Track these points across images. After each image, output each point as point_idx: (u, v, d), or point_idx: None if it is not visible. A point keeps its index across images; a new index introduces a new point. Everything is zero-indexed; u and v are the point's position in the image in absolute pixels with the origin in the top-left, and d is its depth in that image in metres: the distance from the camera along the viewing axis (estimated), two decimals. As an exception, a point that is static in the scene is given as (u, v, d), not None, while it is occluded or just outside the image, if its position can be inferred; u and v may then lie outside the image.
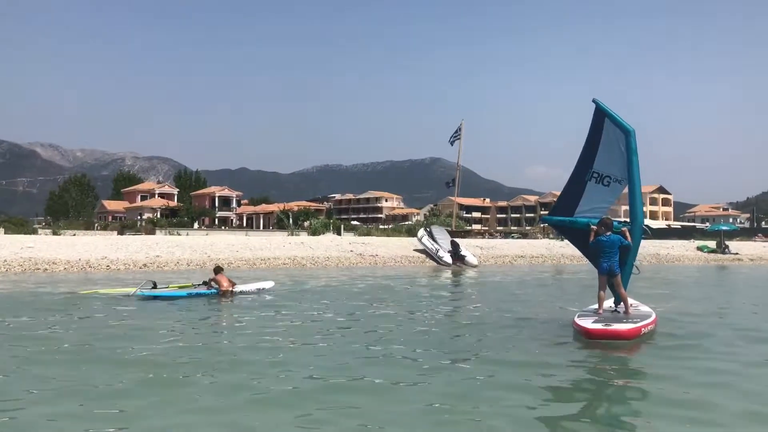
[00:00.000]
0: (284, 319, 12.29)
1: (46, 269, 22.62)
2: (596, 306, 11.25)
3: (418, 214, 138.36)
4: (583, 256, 12.79)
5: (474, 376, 7.72)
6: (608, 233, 11.06)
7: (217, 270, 16.41)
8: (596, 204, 11.84)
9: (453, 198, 49.91)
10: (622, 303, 11.27)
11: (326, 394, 6.87)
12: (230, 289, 15.97)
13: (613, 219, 11.50)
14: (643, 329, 9.98)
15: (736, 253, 42.88)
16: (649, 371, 8.00)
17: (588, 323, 10.10)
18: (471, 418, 6.06)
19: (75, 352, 8.93)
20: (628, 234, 11.22)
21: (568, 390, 7.23)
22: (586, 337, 9.81)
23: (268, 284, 17.56)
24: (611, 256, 10.98)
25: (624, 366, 8.45)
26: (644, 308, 11.75)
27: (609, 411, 6.58)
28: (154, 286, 15.83)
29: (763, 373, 7.97)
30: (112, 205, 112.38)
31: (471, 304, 16.00)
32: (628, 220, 11.83)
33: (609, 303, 11.42)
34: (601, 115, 11.63)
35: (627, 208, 11.86)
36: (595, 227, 11.32)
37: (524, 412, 6.25)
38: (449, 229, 39.47)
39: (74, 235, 36.97)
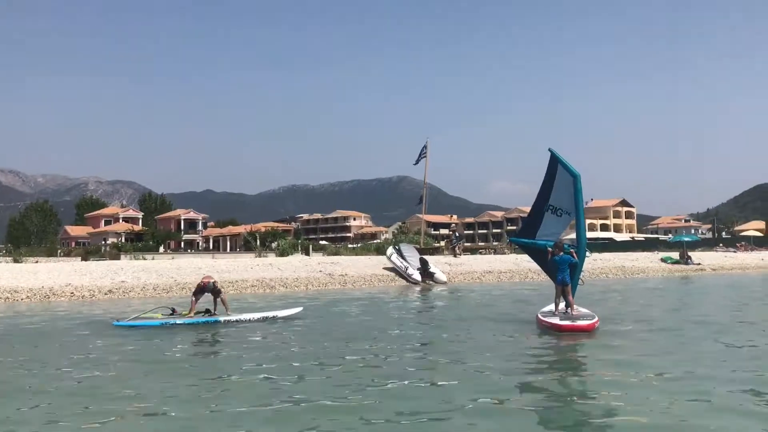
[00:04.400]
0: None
1: (8, 298, 22.09)
2: (552, 308, 14.68)
3: (386, 232, 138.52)
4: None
5: (470, 358, 10.52)
6: (560, 253, 14.36)
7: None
8: (551, 230, 15.13)
9: (421, 215, 50.20)
10: (570, 306, 14.36)
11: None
12: (192, 302, 15.45)
13: (563, 242, 14.87)
14: (596, 324, 13.36)
15: (699, 264, 43.68)
16: (597, 349, 11.59)
17: (556, 320, 13.48)
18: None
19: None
20: (575, 254, 14.53)
21: (549, 365, 10.32)
22: (558, 331, 13.05)
23: (289, 311, 16.33)
24: (563, 271, 14.17)
25: (585, 348, 11.90)
26: (584, 310, 14.81)
27: (579, 374, 9.73)
28: (173, 312, 15.20)
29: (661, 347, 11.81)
30: (75, 230, 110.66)
31: (449, 312, 18.45)
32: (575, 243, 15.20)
33: (560, 306, 14.54)
34: (555, 162, 14.77)
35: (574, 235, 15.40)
36: (551, 249, 14.64)
37: (516, 386, 8.57)
38: (418, 246, 39.59)
39: (36, 262, 36.20)
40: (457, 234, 44.93)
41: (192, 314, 15.19)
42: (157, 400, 7.76)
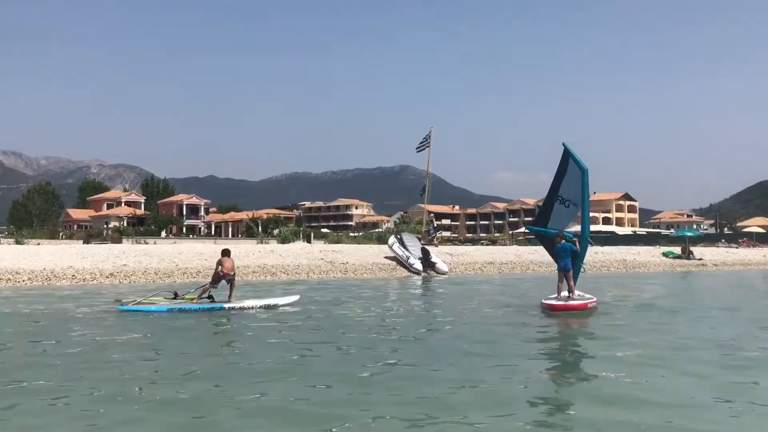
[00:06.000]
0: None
1: (9, 279, 22.12)
2: (555, 294, 16.01)
3: (388, 221, 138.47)
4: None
5: (483, 336, 11.87)
6: (563, 242, 15.67)
7: (225, 252, 15.95)
8: (560, 219, 16.48)
9: (423, 205, 50.12)
10: (571, 292, 15.62)
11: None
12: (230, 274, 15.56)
13: (567, 231, 16.33)
14: (589, 305, 15.07)
15: (701, 259, 43.64)
16: (591, 326, 13.63)
17: (552, 302, 15.24)
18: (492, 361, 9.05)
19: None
20: (578, 243, 15.82)
21: (547, 339, 12.06)
22: (553, 310, 14.74)
23: (286, 299, 16.39)
24: (565, 258, 15.50)
25: (577, 324, 13.84)
26: (587, 295, 16.28)
27: (572, 349, 11.29)
28: (175, 297, 15.25)
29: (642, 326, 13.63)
30: (77, 213, 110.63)
31: (451, 299, 19.09)
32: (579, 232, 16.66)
33: (563, 292, 15.94)
34: (566, 156, 15.94)
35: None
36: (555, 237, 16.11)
37: (519, 355, 10.13)
38: (419, 236, 39.51)
39: (38, 244, 36.23)
40: (434, 224, 44.86)
41: (197, 299, 15.23)
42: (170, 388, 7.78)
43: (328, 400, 7.19)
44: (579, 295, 15.94)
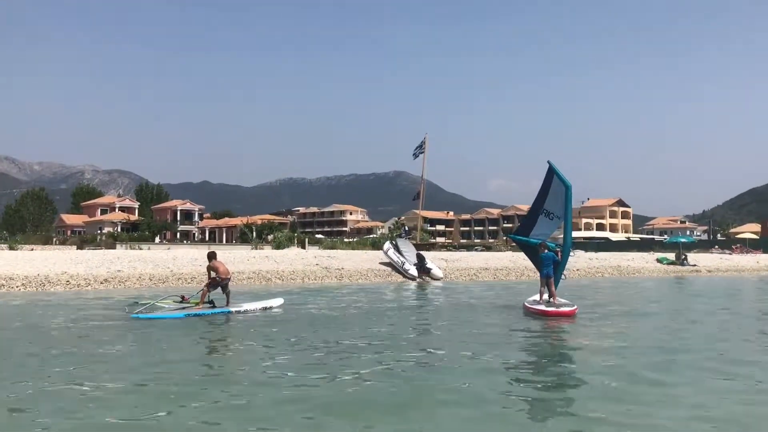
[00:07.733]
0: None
1: (3, 285, 22.02)
2: (537, 297, 17.08)
3: (382, 227, 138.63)
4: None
5: (471, 333, 12.95)
6: (545, 251, 16.78)
7: (212, 256, 15.88)
8: (543, 231, 17.58)
9: (417, 211, 50.18)
10: (552, 297, 16.65)
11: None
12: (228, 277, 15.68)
13: (549, 242, 17.49)
14: (576, 311, 15.82)
15: (695, 265, 43.73)
16: (578, 331, 13.80)
17: (542, 307, 15.94)
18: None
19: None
20: (559, 253, 17.08)
21: (534, 344, 12.20)
22: (543, 315, 15.46)
23: (276, 301, 16.78)
24: (548, 266, 16.60)
25: (565, 329, 14.09)
26: (564, 300, 17.02)
27: (559, 353, 11.54)
28: (183, 299, 15.42)
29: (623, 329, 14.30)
30: (71, 219, 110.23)
31: (444, 303, 19.47)
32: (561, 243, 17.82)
33: (544, 296, 16.99)
34: (551, 172, 16.97)
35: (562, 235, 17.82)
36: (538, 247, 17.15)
37: (503, 360, 10.16)
38: (414, 241, 39.50)
39: (32, 250, 36.11)
40: (406, 228, 45.04)
41: (201, 305, 15.27)
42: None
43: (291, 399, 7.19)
44: (558, 300, 16.81)
